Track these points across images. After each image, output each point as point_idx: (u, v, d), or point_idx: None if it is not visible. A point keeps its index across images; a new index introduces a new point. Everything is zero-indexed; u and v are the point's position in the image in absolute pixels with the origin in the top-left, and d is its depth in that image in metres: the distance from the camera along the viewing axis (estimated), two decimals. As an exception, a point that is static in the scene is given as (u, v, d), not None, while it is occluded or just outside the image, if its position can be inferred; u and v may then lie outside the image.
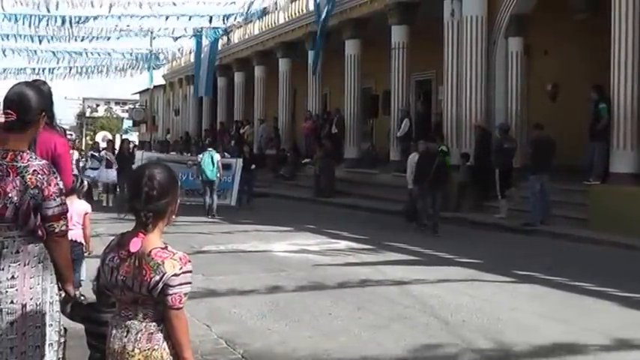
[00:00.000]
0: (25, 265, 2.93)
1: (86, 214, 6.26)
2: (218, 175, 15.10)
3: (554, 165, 12.52)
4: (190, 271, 2.55)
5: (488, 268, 8.67)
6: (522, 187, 13.09)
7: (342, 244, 10.86)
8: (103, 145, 23.76)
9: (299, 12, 22.90)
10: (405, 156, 17.91)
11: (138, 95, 51.87)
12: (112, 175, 16.96)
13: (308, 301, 6.94)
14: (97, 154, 18.24)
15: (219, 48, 28.22)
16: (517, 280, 8.10)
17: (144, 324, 2.55)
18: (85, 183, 6.82)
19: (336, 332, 5.78)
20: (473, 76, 15.36)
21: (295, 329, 5.88)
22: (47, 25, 22.63)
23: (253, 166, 17.12)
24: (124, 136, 31.73)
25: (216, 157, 15.35)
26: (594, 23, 14.32)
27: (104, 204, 16.54)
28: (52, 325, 3.03)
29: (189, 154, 19.63)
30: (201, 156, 15.45)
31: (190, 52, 31.38)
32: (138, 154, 17.23)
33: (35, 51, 26.15)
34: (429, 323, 6.08)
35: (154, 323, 2.55)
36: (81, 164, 18.06)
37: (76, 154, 17.23)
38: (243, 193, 16.98)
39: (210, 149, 15.68)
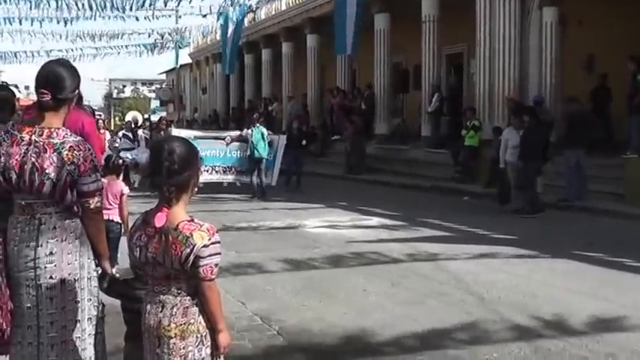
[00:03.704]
0: (62, 241, 2.96)
1: (122, 195, 6.29)
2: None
3: (590, 139, 12.24)
4: (219, 242, 2.56)
5: (523, 245, 8.54)
6: (558, 162, 12.83)
7: (375, 220, 10.79)
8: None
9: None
10: (437, 131, 17.84)
11: (164, 75, 52.01)
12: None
13: (342, 277, 6.92)
14: (129, 134, 17.77)
15: (246, 25, 28.10)
16: (553, 256, 7.95)
17: (178, 298, 2.57)
18: (121, 161, 6.84)
19: (371, 308, 5.75)
20: (506, 48, 15.04)
21: (330, 306, 5.86)
22: (73, 6, 22.75)
23: (304, 142, 15.81)
24: (153, 115, 31.43)
25: (266, 133, 14.35)
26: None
27: (136, 185, 16.48)
28: (90, 299, 3.07)
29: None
30: (250, 131, 14.26)
31: (216, 30, 31.30)
32: (174, 132, 15.85)
33: (60, 35, 26.36)
34: (464, 299, 6.02)
35: (188, 297, 2.57)
36: (116, 144, 17.85)
37: (107, 135, 17.04)
38: (291, 174, 15.60)
39: (258, 125, 14.45)
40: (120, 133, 18.45)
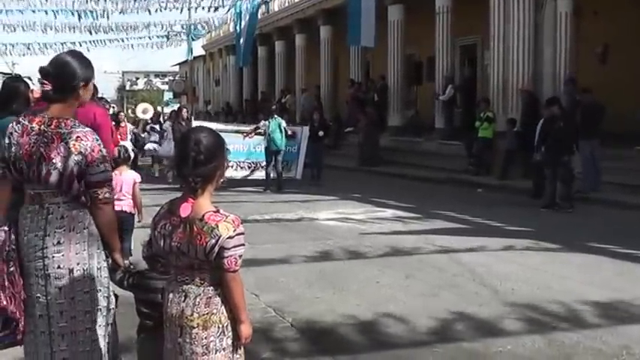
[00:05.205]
0: (70, 231, 2.96)
1: (135, 183, 6.30)
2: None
3: (604, 130, 12.12)
4: (243, 233, 2.57)
5: (537, 237, 8.49)
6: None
7: (389, 212, 10.76)
8: (143, 116, 23.54)
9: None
10: (450, 123, 17.77)
11: (177, 67, 52.07)
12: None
13: (355, 269, 6.91)
14: (156, 127, 17.62)
15: (259, 17, 28.05)
16: (568, 248, 7.91)
17: (202, 288, 2.58)
18: (130, 152, 6.85)
19: (384, 300, 5.74)
20: (520, 38, 14.91)
21: (343, 298, 5.86)
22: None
23: (321, 133, 15.36)
24: (178, 105, 30.79)
25: (284, 124, 14.14)
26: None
27: (156, 174, 16.59)
28: (100, 290, 3.06)
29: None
30: (266, 123, 13.96)
31: (229, 22, 31.24)
32: (195, 124, 16.04)
33: (74, 27, 26.40)
34: (478, 292, 6.01)
35: (211, 287, 2.58)
36: (143, 135, 17.67)
37: (130, 126, 16.99)
38: (310, 167, 15.26)
39: (276, 116, 14.25)
40: (147, 127, 18.39)
